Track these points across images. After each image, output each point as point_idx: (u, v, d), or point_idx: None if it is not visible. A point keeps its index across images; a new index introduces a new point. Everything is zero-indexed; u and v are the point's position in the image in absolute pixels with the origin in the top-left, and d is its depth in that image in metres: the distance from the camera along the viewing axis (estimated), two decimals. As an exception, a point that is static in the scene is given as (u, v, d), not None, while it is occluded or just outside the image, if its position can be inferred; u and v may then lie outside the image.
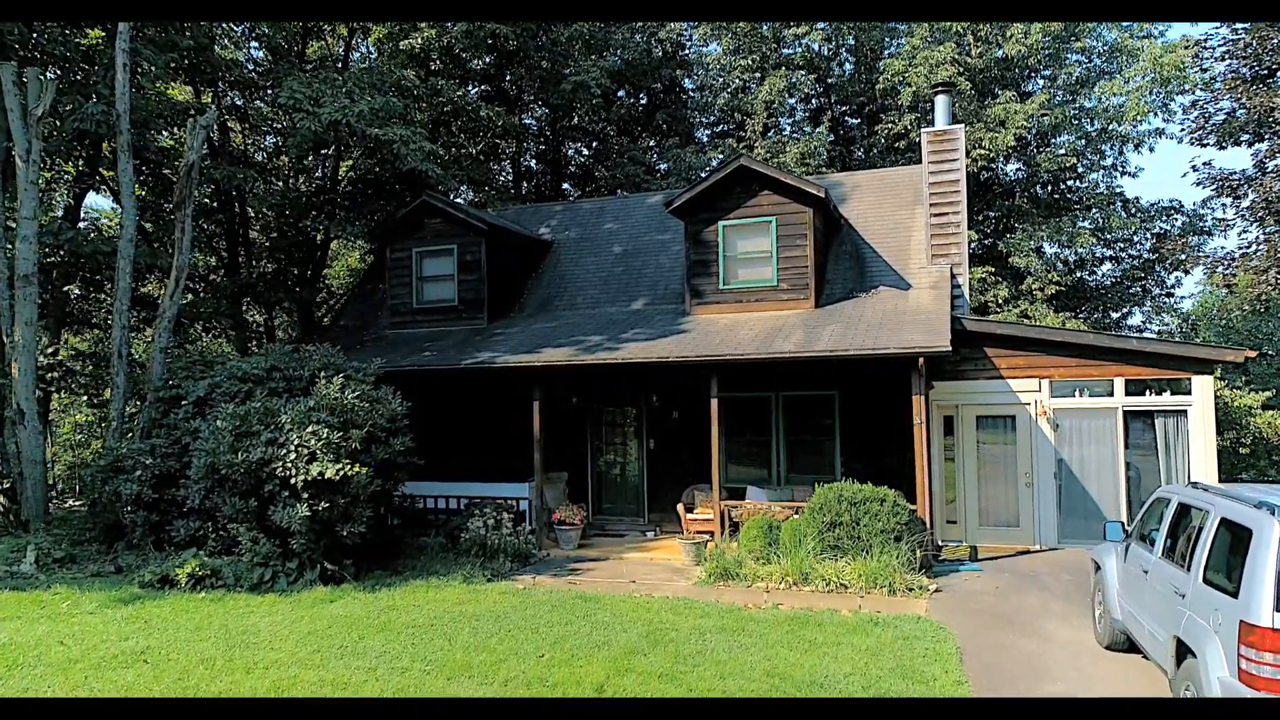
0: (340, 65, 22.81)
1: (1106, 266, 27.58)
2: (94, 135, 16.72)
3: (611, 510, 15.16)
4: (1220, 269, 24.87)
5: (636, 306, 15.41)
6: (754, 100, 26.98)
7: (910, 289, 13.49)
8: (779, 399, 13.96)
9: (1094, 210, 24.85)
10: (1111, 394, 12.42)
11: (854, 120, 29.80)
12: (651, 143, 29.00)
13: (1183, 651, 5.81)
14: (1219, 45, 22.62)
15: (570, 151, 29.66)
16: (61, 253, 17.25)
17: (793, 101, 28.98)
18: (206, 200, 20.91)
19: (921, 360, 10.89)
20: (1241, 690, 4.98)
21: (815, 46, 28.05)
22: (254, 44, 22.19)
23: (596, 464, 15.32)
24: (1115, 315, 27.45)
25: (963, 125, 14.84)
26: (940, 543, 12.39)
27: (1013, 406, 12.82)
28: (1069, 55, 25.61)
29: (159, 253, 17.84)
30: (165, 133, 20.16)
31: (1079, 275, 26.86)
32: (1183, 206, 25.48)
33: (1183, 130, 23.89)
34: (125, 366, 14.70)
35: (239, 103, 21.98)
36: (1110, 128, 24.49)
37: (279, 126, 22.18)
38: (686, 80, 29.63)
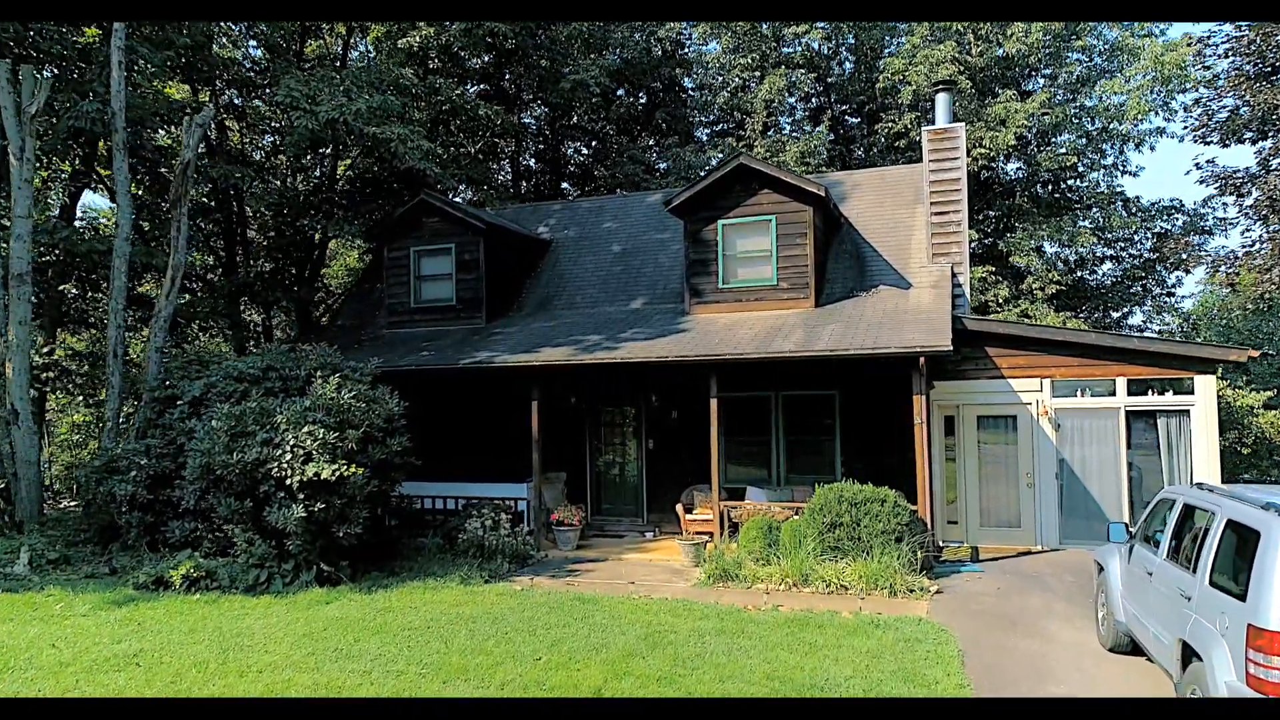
0: (339, 64, 22.72)
1: (1107, 266, 27.53)
2: (89, 133, 16.63)
3: (610, 511, 15.07)
4: (1223, 268, 24.78)
5: (635, 306, 15.32)
6: (754, 99, 26.90)
7: (911, 288, 13.41)
8: (779, 399, 13.87)
9: (1094, 209, 24.79)
10: (1113, 394, 12.34)
11: (854, 119, 29.74)
12: (651, 142, 28.90)
13: (1188, 655, 5.72)
14: (1222, 42, 22.53)
15: (569, 151, 29.57)
16: (57, 251, 17.16)
17: (792, 100, 28.92)
18: (204, 199, 20.83)
19: (922, 360, 10.80)
20: (1249, 695, 4.89)
21: (815, 45, 27.99)
22: (252, 42, 22.09)
23: (595, 464, 15.23)
24: (1116, 315, 27.39)
25: (963, 124, 14.78)
26: (941, 543, 12.30)
27: (1014, 406, 12.74)
28: (1070, 54, 25.55)
29: (155, 252, 17.76)
30: (162, 131, 20.09)
31: (1079, 275, 26.80)
32: (1183, 206, 25.44)
33: (1185, 128, 23.80)
34: (121, 366, 14.60)
35: (237, 101, 21.88)
36: (1111, 127, 24.44)
37: (277, 125, 22.10)
38: (686, 79, 29.53)
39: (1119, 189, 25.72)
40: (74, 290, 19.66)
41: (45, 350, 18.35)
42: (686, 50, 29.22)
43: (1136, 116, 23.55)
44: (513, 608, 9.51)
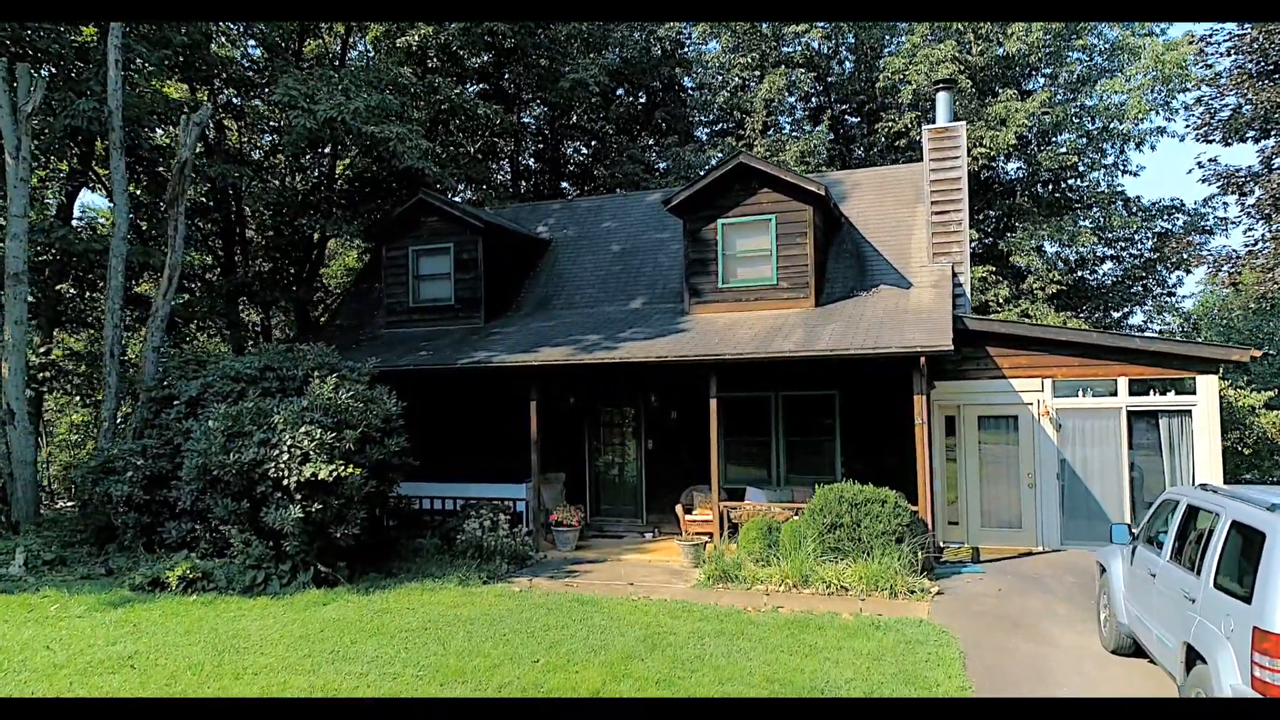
0: (337, 63, 22.66)
1: (1107, 266, 27.48)
2: (86, 132, 16.56)
3: (609, 511, 15.01)
4: (1225, 268, 24.73)
5: (635, 305, 15.27)
6: (753, 98, 26.86)
7: (911, 288, 13.35)
8: (779, 399, 13.81)
9: (1095, 209, 24.74)
10: (1115, 394, 12.28)
11: (854, 119, 29.69)
12: (650, 141, 28.84)
13: (1193, 658, 5.67)
14: (1224, 40, 22.49)
15: (569, 150, 29.51)
16: (54, 251, 17.08)
17: (792, 100, 28.87)
18: (202, 199, 20.76)
19: (923, 360, 10.75)
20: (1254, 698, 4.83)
21: (815, 45, 27.93)
22: (250, 42, 22.03)
23: (594, 464, 15.17)
24: (1116, 315, 27.34)
25: (964, 123, 14.73)
26: (942, 544, 12.25)
27: (1015, 406, 12.68)
28: (1070, 53, 25.48)
29: (153, 251, 17.67)
30: (160, 130, 20.01)
31: (1080, 274, 26.74)
32: (1184, 205, 25.39)
33: (1187, 127, 23.78)
34: (118, 366, 14.54)
35: (235, 100, 21.81)
36: (1111, 126, 24.37)
37: (275, 124, 22.03)
38: (685, 78, 29.49)
39: (1119, 188, 25.67)
40: (71, 290, 19.57)
41: (42, 350, 18.28)
42: (686, 50, 29.17)
43: (1137, 116, 23.49)
44: (511, 609, 9.45)
